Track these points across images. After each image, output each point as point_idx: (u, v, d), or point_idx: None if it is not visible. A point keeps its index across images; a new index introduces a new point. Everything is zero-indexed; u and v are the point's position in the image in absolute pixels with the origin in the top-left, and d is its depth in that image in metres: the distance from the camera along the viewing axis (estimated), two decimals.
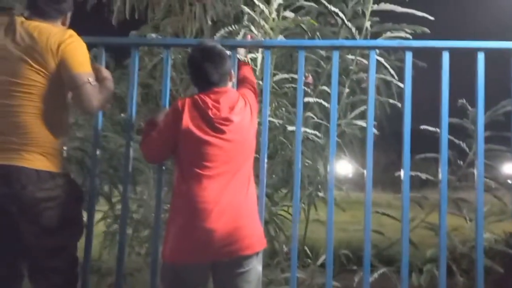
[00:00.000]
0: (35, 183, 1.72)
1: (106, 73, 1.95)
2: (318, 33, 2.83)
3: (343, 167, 4.17)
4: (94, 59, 2.09)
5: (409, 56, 2.07)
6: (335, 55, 2.11)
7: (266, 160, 2.07)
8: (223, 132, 1.76)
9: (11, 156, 1.71)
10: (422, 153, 2.93)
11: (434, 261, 2.41)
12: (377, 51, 2.23)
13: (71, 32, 1.81)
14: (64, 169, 1.85)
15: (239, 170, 1.79)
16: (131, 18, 3.41)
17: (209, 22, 2.91)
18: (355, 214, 4.08)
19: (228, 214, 1.72)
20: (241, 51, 2.21)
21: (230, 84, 1.91)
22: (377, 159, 2.07)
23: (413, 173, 2.30)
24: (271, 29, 2.55)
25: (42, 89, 1.74)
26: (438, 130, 2.09)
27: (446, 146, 2.05)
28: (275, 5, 2.55)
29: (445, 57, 2.05)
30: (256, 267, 1.79)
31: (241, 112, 1.82)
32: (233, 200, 1.75)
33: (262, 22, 2.52)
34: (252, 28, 2.52)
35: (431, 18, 2.71)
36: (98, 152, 2.15)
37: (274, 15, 2.58)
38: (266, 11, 2.53)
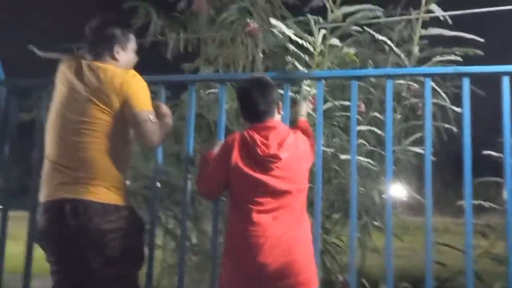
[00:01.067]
0: (101, 216, 1.81)
1: (165, 109, 2.04)
2: (370, 61, 2.81)
3: (397, 190, 4.06)
4: (154, 96, 2.19)
5: (466, 83, 2.02)
6: (389, 84, 2.09)
7: (321, 189, 2.07)
8: (271, 169, 1.77)
9: (79, 190, 1.81)
10: (479, 175, 2.79)
11: None
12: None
13: (133, 72, 1.92)
14: (127, 201, 1.94)
15: (291, 204, 1.79)
16: (184, 50, 3.54)
17: (261, 55, 2.96)
18: (409, 239, 3.94)
19: (281, 248, 1.73)
20: (302, 110, 2.20)
21: (278, 116, 1.92)
22: (433, 182, 2.01)
23: (475, 202, 2.21)
24: (317, 64, 2.54)
25: (107, 126, 1.84)
26: (501, 155, 2.01)
27: (511, 173, 1.96)
28: (319, 39, 2.54)
29: (506, 81, 1.99)
30: None
31: (290, 148, 1.81)
32: (285, 234, 1.75)
33: (307, 58, 2.52)
34: (297, 63, 2.52)
35: (481, 40, 2.63)
36: (158, 185, 2.23)
37: (320, 47, 2.56)
38: (311, 47, 2.52)
